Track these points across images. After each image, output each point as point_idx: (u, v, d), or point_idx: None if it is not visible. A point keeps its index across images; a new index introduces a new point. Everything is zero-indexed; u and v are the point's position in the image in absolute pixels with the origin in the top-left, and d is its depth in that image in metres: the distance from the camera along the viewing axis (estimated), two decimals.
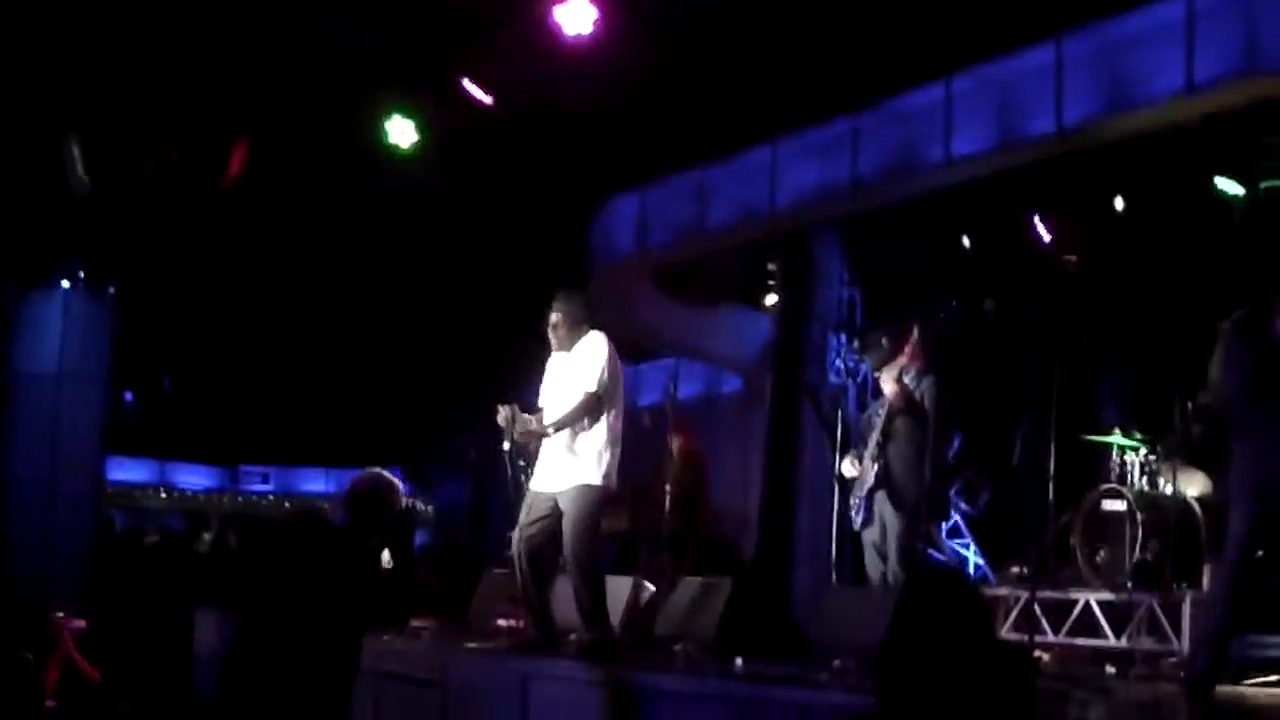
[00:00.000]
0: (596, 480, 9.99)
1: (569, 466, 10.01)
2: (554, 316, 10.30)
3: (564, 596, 10.33)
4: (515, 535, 10.24)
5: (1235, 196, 13.48)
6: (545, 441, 10.17)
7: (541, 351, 10.54)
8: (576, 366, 10.19)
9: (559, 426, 10.00)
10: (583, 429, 10.04)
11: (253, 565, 8.77)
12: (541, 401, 10.41)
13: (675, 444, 14.29)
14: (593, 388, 10.05)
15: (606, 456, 10.05)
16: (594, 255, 17.88)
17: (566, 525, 9.94)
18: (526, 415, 10.23)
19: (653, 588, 11.79)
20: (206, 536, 29.39)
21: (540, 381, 10.55)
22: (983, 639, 5.63)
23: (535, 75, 15.24)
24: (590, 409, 10.06)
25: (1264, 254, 13.26)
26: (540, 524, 10.06)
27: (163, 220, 19.37)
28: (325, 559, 7.40)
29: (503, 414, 10.22)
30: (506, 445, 10.37)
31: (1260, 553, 8.59)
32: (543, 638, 10.13)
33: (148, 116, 16.51)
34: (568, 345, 10.29)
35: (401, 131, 15.92)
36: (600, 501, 10.11)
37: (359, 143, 16.52)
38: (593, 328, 10.36)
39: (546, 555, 10.24)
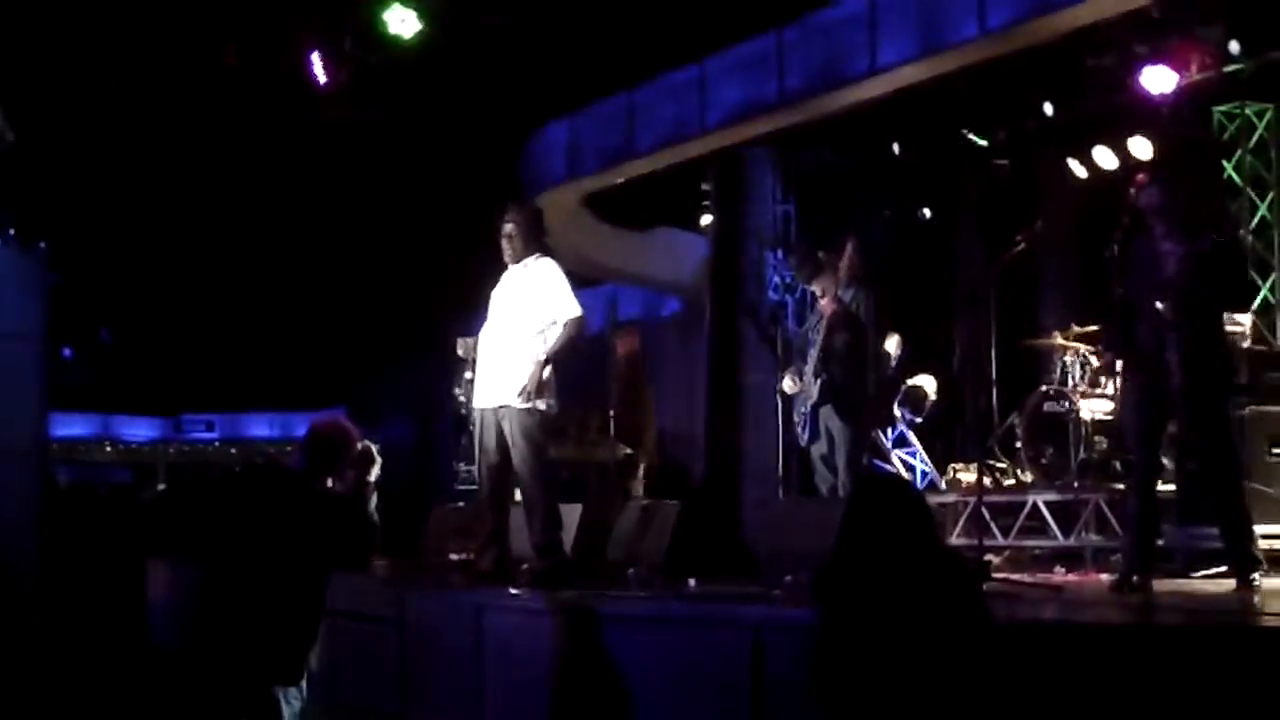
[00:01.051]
0: (540, 405, 9.92)
1: (507, 384, 9.91)
2: (508, 226, 10.19)
3: (517, 526, 10.33)
4: (479, 461, 10.22)
5: (1160, 93, 13.48)
6: (491, 357, 10.11)
7: (479, 283, 10.47)
8: (532, 287, 10.10)
9: (550, 359, 9.88)
10: (535, 353, 9.91)
11: (212, 514, 8.72)
12: (490, 313, 10.30)
13: (619, 347, 14.25)
14: (576, 311, 9.99)
15: (551, 381, 10.00)
16: (527, 184, 17.81)
17: (516, 454, 9.89)
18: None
19: (602, 513, 11.80)
20: (160, 488, 29.28)
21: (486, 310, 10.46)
22: (929, 544, 5.65)
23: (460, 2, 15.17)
24: (576, 332, 10.02)
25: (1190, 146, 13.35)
26: (498, 445, 9.98)
27: (92, 171, 19.23)
28: (284, 503, 7.37)
29: (462, 346, 10.20)
30: (469, 375, 10.33)
31: None
32: (496, 567, 10.10)
33: (66, 66, 16.37)
34: (521, 256, 10.18)
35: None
36: (544, 426, 10.06)
37: (287, 79, 16.39)
38: (543, 249, 10.31)
39: (508, 479, 10.18)
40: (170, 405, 38.25)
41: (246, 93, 16.88)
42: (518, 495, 10.49)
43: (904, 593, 5.40)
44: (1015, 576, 9.73)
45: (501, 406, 9.91)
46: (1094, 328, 12.14)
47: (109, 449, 39.20)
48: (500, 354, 10.04)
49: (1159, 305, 8.61)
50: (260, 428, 39.20)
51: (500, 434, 9.95)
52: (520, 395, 9.81)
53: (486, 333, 10.25)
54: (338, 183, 20.09)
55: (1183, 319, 8.55)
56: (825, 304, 11.30)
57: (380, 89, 16.55)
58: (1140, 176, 8.95)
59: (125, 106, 17.93)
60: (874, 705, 5.39)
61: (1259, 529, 9.03)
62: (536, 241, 10.29)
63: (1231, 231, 10.51)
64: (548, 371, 9.90)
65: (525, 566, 10.27)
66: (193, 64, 16.61)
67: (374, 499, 9.09)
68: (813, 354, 11.25)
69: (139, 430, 39.88)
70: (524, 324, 10.01)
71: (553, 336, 9.96)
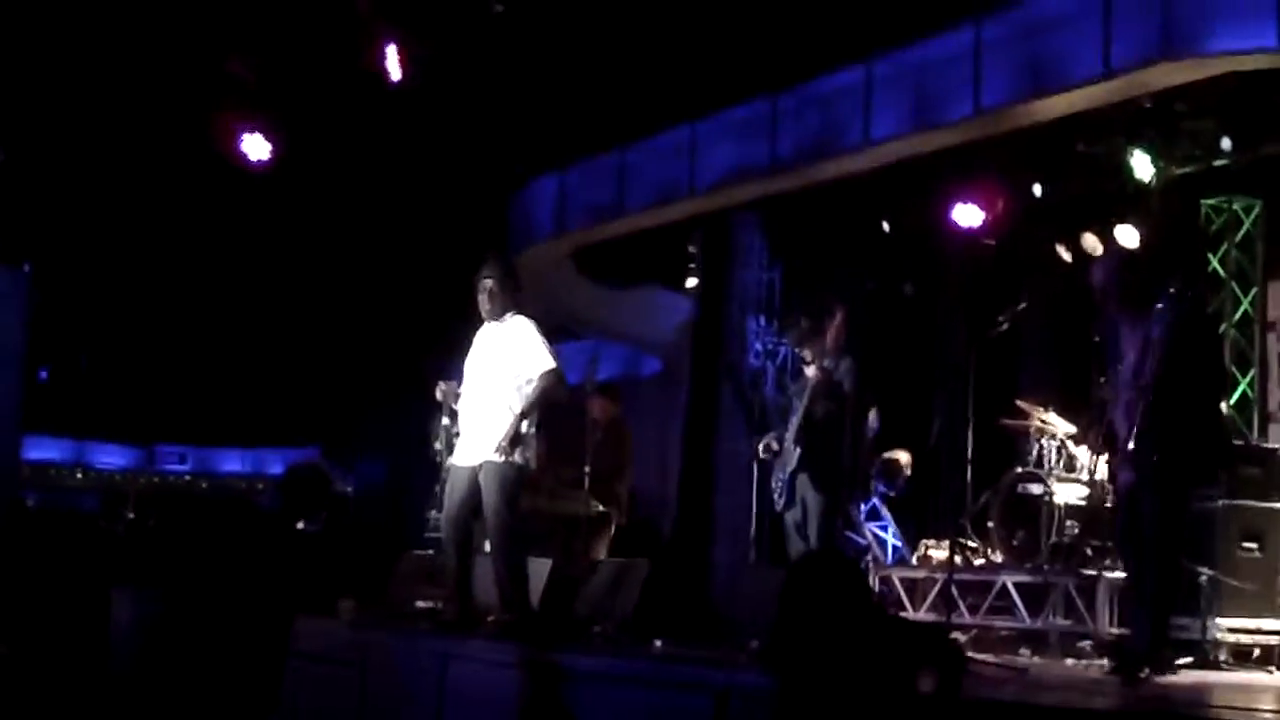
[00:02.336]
0: (517, 459, 9.94)
1: (486, 442, 9.93)
2: (488, 281, 10.20)
3: (483, 577, 10.31)
4: (444, 512, 10.25)
5: (1148, 182, 13.55)
6: (471, 416, 10.15)
7: (459, 334, 10.49)
8: (508, 345, 10.12)
9: (525, 413, 9.91)
10: (506, 405, 9.96)
11: (179, 546, 8.73)
12: (467, 373, 10.34)
13: (600, 408, 14.22)
14: (550, 364, 10.01)
15: (530, 435, 10.02)
16: (513, 236, 17.84)
17: (488, 507, 9.91)
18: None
19: (571, 569, 11.79)
20: (130, 516, 29.14)
21: (466, 355, 10.49)
22: (866, 612, 5.68)
23: (454, 53, 15.20)
24: (551, 385, 10.03)
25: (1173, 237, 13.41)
26: (466, 501, 10.03)
27: (79, 196, 19.21)
28: (254, 542, 7.36)
29: (441, 389, 10.25)
30: (445, 420, 10.36)
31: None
32: (463, 618, 10.10)
33: (54, 89, 16.38)
34: (498, 314, 10.20)
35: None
36: (520, 481, 10.07)
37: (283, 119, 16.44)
38: (519, 305, 10.32)
39: (472, 533, 10.26)
40: (144, 434, 38.10)
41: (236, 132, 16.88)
42: (486, 547, 10.50)
43: (846, 661, 5.42)
44: (980, 656, 9.71)
45: (481, 463, 9.93)
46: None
47: (80, 475, 39.01)
48: (479, 412, 10.08)
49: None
50: (233, 463, 39.07)
51: (473, 488, 9.97)
52: (497, 451, 9.81)
53: (466, 392, 10.27)
54: (324, 225, 20.11)
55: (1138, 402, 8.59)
56: (811, 371, 11.31)
57: (374, 132, 16.60)
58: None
59: (113, 133, 17.94)
60: None
61: (1230, 622, 9.05)
62: (513, 297, 10.32)
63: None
64: (525, 425, 9.92)
65: (491, 619, 10.26)
66: (181, 93, 16.63)
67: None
68: (794, 421, 11.25)
69: (111, 458, 39.70)
70: (501, 382, 10.05)
71: (529, 391, 9.99)
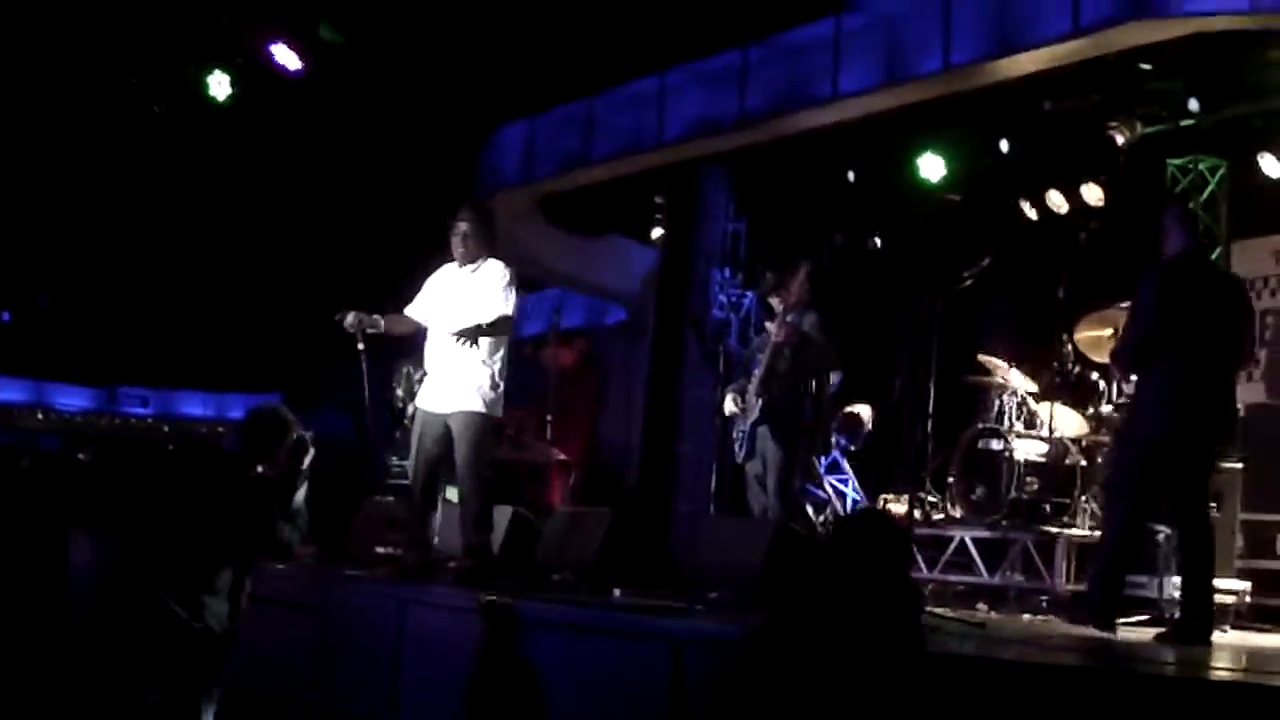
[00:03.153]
0: (491, 409, 10.03)
1: (463, 391, 9.99)
2: (464, 226, 10.18)
3: (446, 523, 10.34)
4: (411, 459, 10.31)
5: (1118, 141, 13.60)
6: (439, 361, 10.15)
7: (421, 277, 10.46)
8: (479, 287, 10.12)
9: (466, 335, 9.86)
10: (481, 355, 10.00)
11: (141, 488, 8.71)
12: (429, 314, 10.34)
13: (563, 356, 14.23)
14: (507, 310, 10.03)
15: (501, 385, 10.09)
16: (481, 183, 17.78)
17: (461, 453, 9.97)
18: (375, 316, 10.30)
19: (532, 516, 11.80)
20: (81, 458, 29.04)
21: (414, 293, 10.46)
22: (900, 576, 5.76)
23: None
24: (502, 329, 10.05)
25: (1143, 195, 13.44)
26: (436, 448, 10.08)
27: (37, 134, 19.08)
28: (214, 484, 7.40)
29: (350, 319, 10.25)
30: (361, 346, 10.32)
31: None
32: (424, 564, 10.14)
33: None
34: (472, 257, 10.20)
35: (287, 55, 15.75)
36: (492, 430, 10.20)
37: (244, 63, 16.36)
38: (493, 251, 10.33)
39: (439, 480, 10.33)
40: (106, 376, 37.94)
41: (199, 73, 16.79)
42: (450, 494, 10.51)
43: (860, 618, 5.47)
44: (938, 610, 9.77)
45: (454, 411, 9.98)
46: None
47: (40, 417, 38.85)
48: (450, 358, 10.06)
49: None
50: (195, 406, 38.91)
51: (444, 435, 10.02)
52: (474, 400, 9.96)
53: (434, 336, 10.25)
54: (288, 170, 20.02)
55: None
56: (775, 324, 11.31)
57: (340, 80, 16.52)
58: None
59: (73, 72, 17.82)
60: None
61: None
62: (489, 243, 10.32)
63: None
64: (500, 375, 10.06)
65: (452, 564, 10.27)
66: (147, 35, 16.53)
67: (304, 488, 9.03)
68: (757, 373, 11.26)
69: (72, 400, 39.52)
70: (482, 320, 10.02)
71: (503, 342, 10.13)
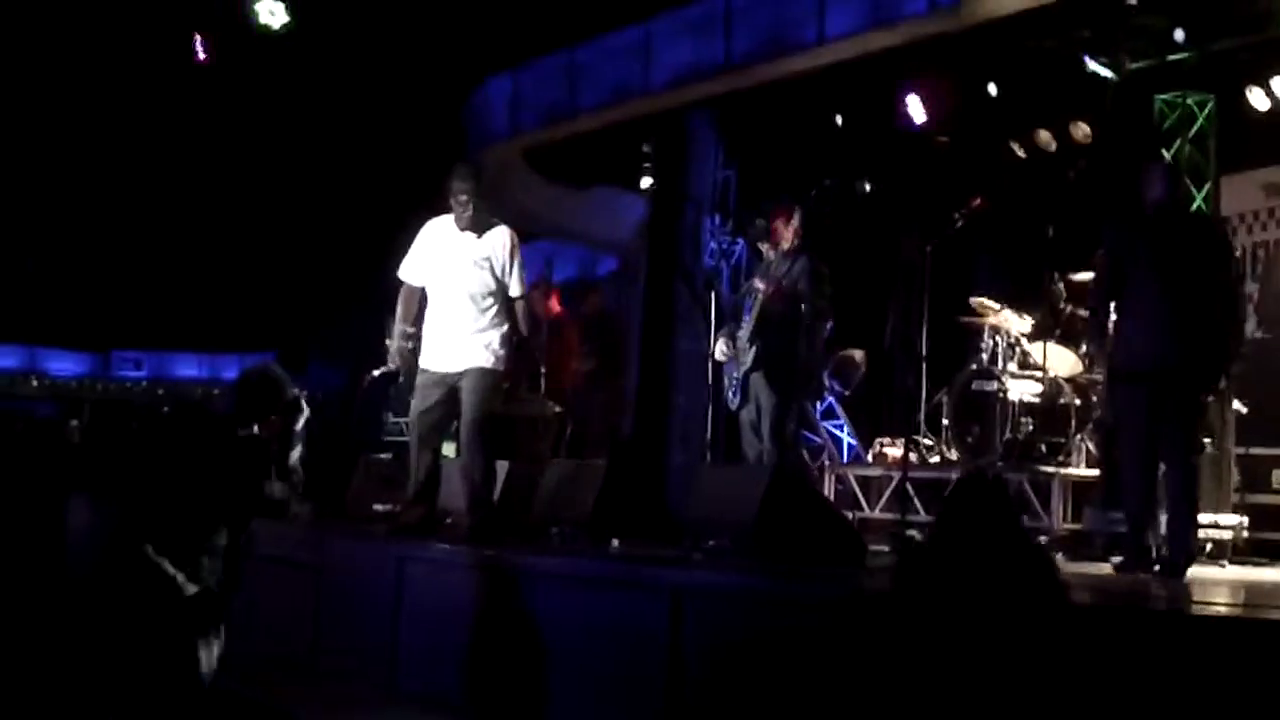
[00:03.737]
0: (498, 365, 9.99)
1: (471, 349, 9.94)
2: (463, 192, 10.03)
3: (445, 480, 10.34)
4: (413, 416, 10.19)
5: (1105, 78, 13.57)
6: (445, 322, 10.06)
7: (413, 234, 10.39)
8: (491, 255, 10.05)
9: (514, 330, 10.08)
10: (494, 316, 10.00)
11: (135, 452, 8.66)
12: (429, 274, 10.19)
13: (543, 308, 14.22)
14: (517, 292, 10.11)
15: (508, 342, 10.09)
16: (468, 138, 17.76)
17: (468, 409, 9.91)
18: (406, 328, 10.21)
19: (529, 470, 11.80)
20: (75, 424, 29.06)
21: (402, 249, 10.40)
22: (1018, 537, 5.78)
23: None
24: (523, 315, 10.19)
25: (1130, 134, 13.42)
26: (440, 406, 10.01)
27: (23, 96, 19.02)
28: (204, 446, 7.33)
29: (398, 360, 10.31)
30: (406, 327, 10.25)
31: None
32: (426, 521, 10.10)
33: None
34: (473, 222, 10.06)
35: (272, 12, 15.69)
36: (498, 386, 10.13)
37: (230, 23, 16.30)
38: (492, 211, 10.28)
39: (441, 437, 10.32)
40: (99, 341, 37.95)
41: (188, 34, 16.73)
42: (447, 450, 10.51)
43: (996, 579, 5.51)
44: None
45: (464, 369, 9.92)
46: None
47: (35, 383, 38.87)
48: (458, 319, 10.01)
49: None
50: (189, 368, 38.96)
51: (449, 395, 9.96)
52: (486, 359, 9.93)
53: (438, 297, 10.14)
54: (276, 128, 19.99)
55: None
56: (765, 270, 11.28)
57: (325, 36, 16.48)
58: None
59: (64, 36, 17.77)
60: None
61: None
62: (487, 205, 10.23)
63: None
64: (510, 336, 10.11)
65: (450, 520, 10.28)
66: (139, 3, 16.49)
67: (299, 448, 9.04)
68: (749, 320, 11.24)
69: (66, 365, 39.55)
70: (489, 292, 10.04)
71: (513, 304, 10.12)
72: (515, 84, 17.30)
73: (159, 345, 38.14)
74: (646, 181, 17.70)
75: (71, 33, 17.38)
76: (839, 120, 15.77)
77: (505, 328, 10.05)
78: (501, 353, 10.01)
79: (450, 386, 9.97)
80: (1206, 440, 9.88)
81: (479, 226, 10.07)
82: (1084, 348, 11.82)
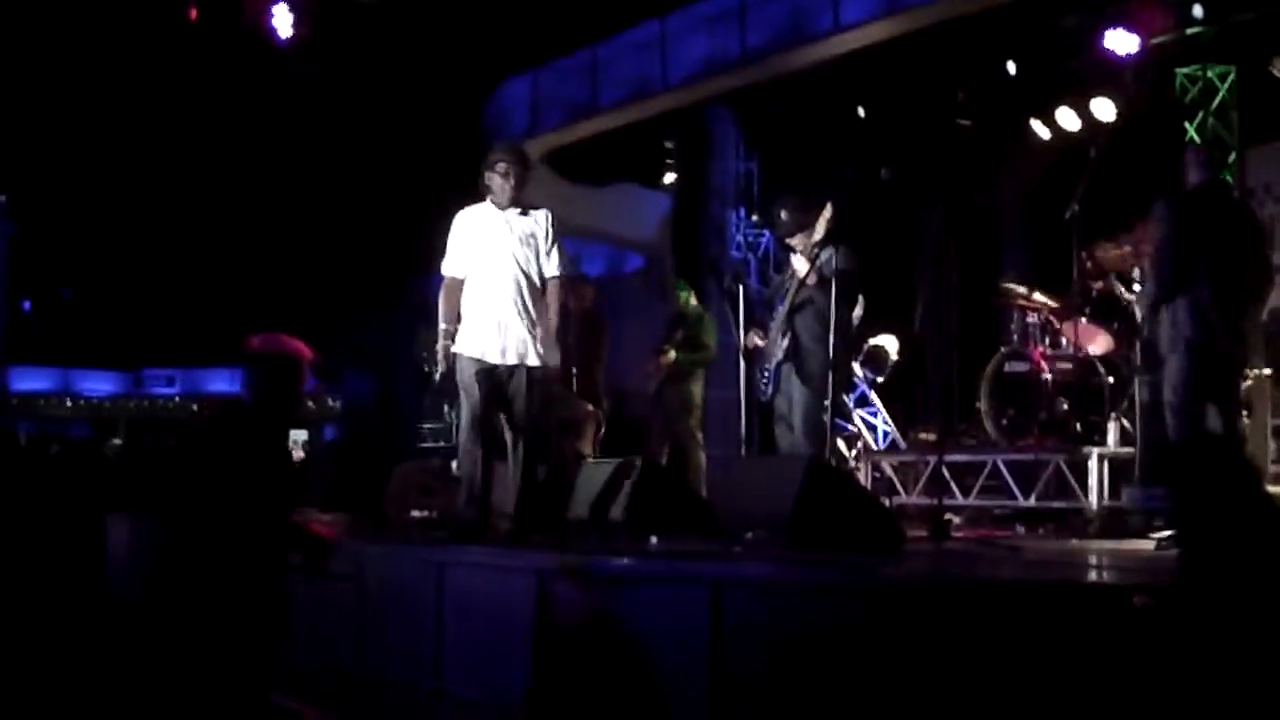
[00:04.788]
0: (550, 361, 9.75)
1: (521, 342, 9.64)
2: (505, 166, 9.72)
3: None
4: (474, 412, 9.74)
5: (1125, 53, 13.54)
6: (493, 310, 9.68)
7: (438, 239, 10.31)
8: (541, 239, 9.77)
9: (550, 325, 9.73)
10: (539, 296, 9.72)
11: (175, 464, 8.28)
12: (471, 262, 9.79)
13: (574, 302, 14.19)
14: (556, 271, 9.79)
15: (557, 333, 9.83)
16: (488, 138, 17.77)
17: (521, 408, 9.67)
18: (446, 328, 9.78)
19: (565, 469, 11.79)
20: (116, 442, 29.18)
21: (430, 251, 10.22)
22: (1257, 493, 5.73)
23: None
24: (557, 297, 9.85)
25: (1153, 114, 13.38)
26: (496, 400, 9.68)
27: (54, 126, 19.09)
28: (241, 443, 6.94)
29: (444, 364, 9.82)
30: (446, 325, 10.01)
31: None
32: (482, 522, 9.83)
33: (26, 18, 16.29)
34: (515, 201, 9.75)
35: (284, 20, 15.71)
36: (548, 385, 9.99)
37: (247, 33, 16.33)
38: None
39: (500, 434, 9.85)
40: (131, 360, 38.11)
41: (207, 47, 16.77)
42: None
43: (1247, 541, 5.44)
44: (975, 534, 9.79)
45: (517, 364, 9.66)
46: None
47: (69, 404, 39.04)
48: (509, 307, 9.69)
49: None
50: (220, 382, 39.07)
51: (501, 387, 9.68)
52: (540, 355, 9.68)
53: (483, 283, 9.78)
54: (297, 137, 20.01)
55: None
56: (796, 261, 11.27)
57: (342, 42, 16.50)
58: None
59: (86, 61, 17.82)
60: None
61: None
62: (526, 186, 9.91)
63: None
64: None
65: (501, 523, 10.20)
66: (153, 18, 16.51)
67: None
68: (780, 311, 11.22)
69: (99, 385, 39.74)
70: (537, 279, 9.79)
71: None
72: (535, 84, 17.33)
73: (190, 361, 38.28)
74: (669, 177, 17.72)
75: (99, 55, 17.44)
76: (860, 110, 15.76)
77: (552, 316, 9.74)
78: (553, 347, 9.74)
79: (503, 379, 9.68)
80: (1244, 412, 9.87)
81: (518, 205, 9.78)
82: (1116, 324, 11.79)
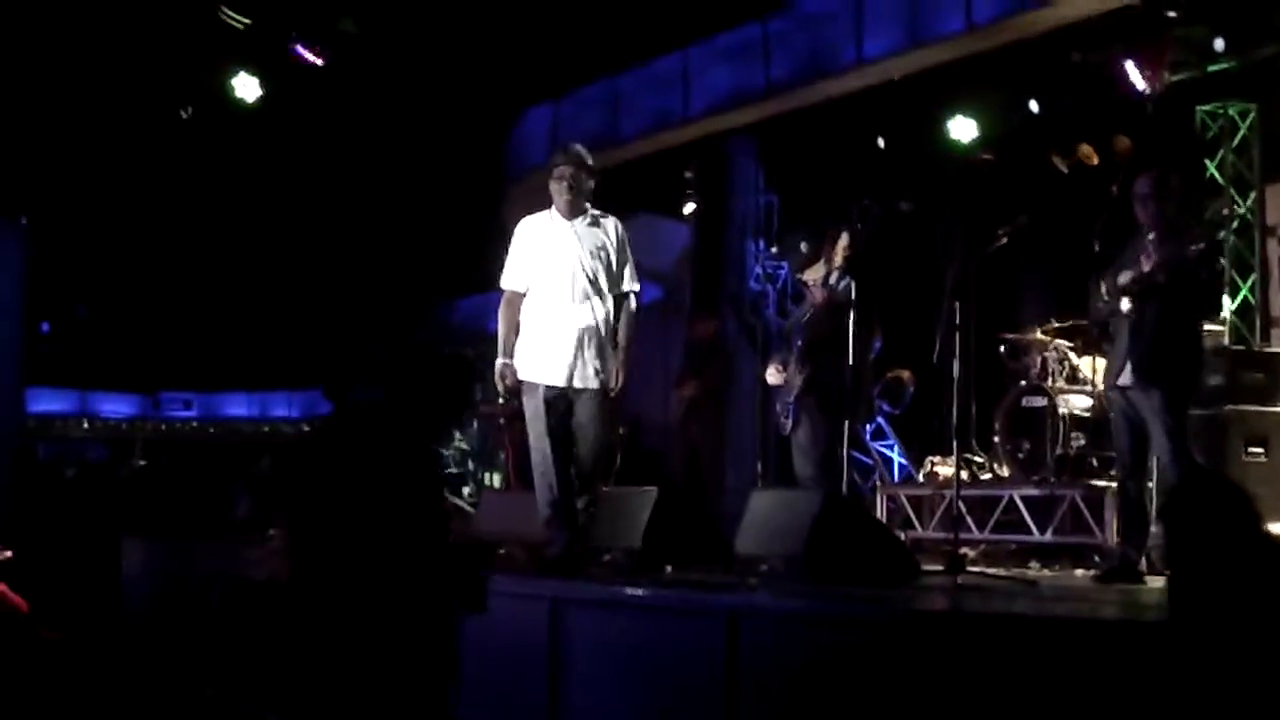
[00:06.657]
0: (615, 382, 9.15)
1: (589, 362, 9.03)
2: (569, 169, 9.19)
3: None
4: (547, 437, 9.08)
5: (1146, 90, 13.54)
6: (553, 323, 9.07)
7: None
8: (610, 243, 9.22)
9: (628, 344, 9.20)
10: (609, 311, 9.13)
11: (304, 488, 6.93)
12: (538, 277, 9.15)
13: None
14: (631, 286, 9.29)
15: (621, 353, 9.21)
16: (510, 169, 17.80)
17: (592, 434, 9.10)
18: (508, 347, 9.21)
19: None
20: (142, 463, 29.17)
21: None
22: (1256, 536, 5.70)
23: None
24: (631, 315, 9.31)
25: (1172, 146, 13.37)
26: (566, 424, 9.05)
27: (73, 148, 19.15)
28: (393, 457, 6.30)
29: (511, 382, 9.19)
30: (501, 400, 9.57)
31: None
32: (571, 553, 9.25)
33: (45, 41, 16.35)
34: (580, 210, 9.20)
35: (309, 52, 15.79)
36: (616, 409, 9.58)
37: (269, 62, 16.39)
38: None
39: (570, 454, 9.17)
40: (148, 382, 38.14)
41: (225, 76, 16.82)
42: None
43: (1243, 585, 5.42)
44: (990, 570, 9.78)
45: (586, 388, 9.07)
46: (1071, 323, 12.23)
47: (86, 425, 39.07)
48: (578, 322, 9.08)
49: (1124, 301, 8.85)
50: (238, 407, 39.14)
51: (570, 409, 9.09)
52: (611, 378, 9.12)
53: (549, 294, 9.15)
54: (320, 164, 20.08)
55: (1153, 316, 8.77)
56: (815, 293, 11.28)
57: (364, 73, 16.55)
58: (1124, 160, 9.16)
59: (106, 83, 17.88)
60: None
61: None
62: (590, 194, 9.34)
63: (1208, 237, 10.62)
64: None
65: (607, 557, 10.00)
66: (173, 41, 16.57)
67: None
68: (798, 344, 11.23)
69: (117, 406, 39.75)
70: (607, 286, 9.21)
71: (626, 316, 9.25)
72: (556, 114, 17.36)
73: (208, 385, 38.31)
74: (689, 208, 17.74)
75: (111, 79, 17.50)
76: (881, 143, 15.77)
77: (624, 335, 9.16)
78: (619, 368, 9.11)
79: (568, 400, 9.05)
80: (1258, 450, 9.88)
81: (584, 213, 9.22)
82: None
